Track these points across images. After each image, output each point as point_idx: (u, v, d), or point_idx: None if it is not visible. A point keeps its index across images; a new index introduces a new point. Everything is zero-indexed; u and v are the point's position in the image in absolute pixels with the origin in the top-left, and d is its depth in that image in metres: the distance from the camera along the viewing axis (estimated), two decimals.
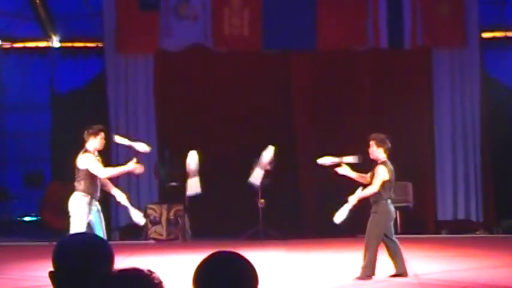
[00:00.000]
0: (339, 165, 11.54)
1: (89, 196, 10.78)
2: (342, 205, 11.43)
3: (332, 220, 11.55)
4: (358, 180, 11.49)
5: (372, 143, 11.29)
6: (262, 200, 16.82)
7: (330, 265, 12.99)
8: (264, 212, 16.82)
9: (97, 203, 10.94)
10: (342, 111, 17.86)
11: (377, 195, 11.14)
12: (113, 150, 16.92)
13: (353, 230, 14.35)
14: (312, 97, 18.08)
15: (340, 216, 11.39)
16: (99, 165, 10.90)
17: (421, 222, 17.41)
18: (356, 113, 17.72)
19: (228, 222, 17.26)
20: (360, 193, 11.29)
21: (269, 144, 16.28)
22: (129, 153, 17.73)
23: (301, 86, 18.12)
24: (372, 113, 17.70)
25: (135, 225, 12.60)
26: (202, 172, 17.00)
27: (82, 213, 10.73)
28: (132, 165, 11.08)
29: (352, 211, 11.37)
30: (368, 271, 11.04)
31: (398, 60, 17.98)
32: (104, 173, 10.96)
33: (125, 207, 11.40)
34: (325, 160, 11.74)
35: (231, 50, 17.83)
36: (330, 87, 18.06)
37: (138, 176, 11.71)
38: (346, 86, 18.04)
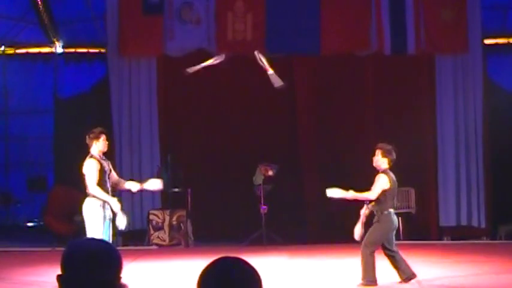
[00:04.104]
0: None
1: (101, 200, 10.75)
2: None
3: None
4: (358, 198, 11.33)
5: (378, 151, 11.26)
6: (265, 206, 16.82)
7: (333, 271, 12.97)
8: (266, 217, 16.81)
9: (109, 207, 10.85)
10: (345, 115, 17.85)
11: (379, 205, 11.10)
12: (116, 153, 16.97)
13: None
14: (315, 102, 18.08)
15: (357, 232, 11.36)
16: (95, 178, 10.74)
17: (423, 228, 17.39)
18: (359, 118, 17.72)
19: (230, 227, 17.27)
20: (355, 194, 11.21)
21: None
22: (133, 157, 17.88)
23: (304, 91, 18.11)
24: (374, 117, 17.69)
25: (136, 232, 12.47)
26: (203, 175, 16.99)
27: (97, 218, 10.68)
28: (116, 204, 10.83)
29: (368, 222, 11.31)
30: (369, 277, 11.00)
31: (401, 66, 17.96)
32: (93, 188, 10.76)
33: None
34: (335, 193, 11.44)
35: (234, 54, 17.81)
36: (333, 91, 18.06)
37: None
38: (349, 90, 18.04)
